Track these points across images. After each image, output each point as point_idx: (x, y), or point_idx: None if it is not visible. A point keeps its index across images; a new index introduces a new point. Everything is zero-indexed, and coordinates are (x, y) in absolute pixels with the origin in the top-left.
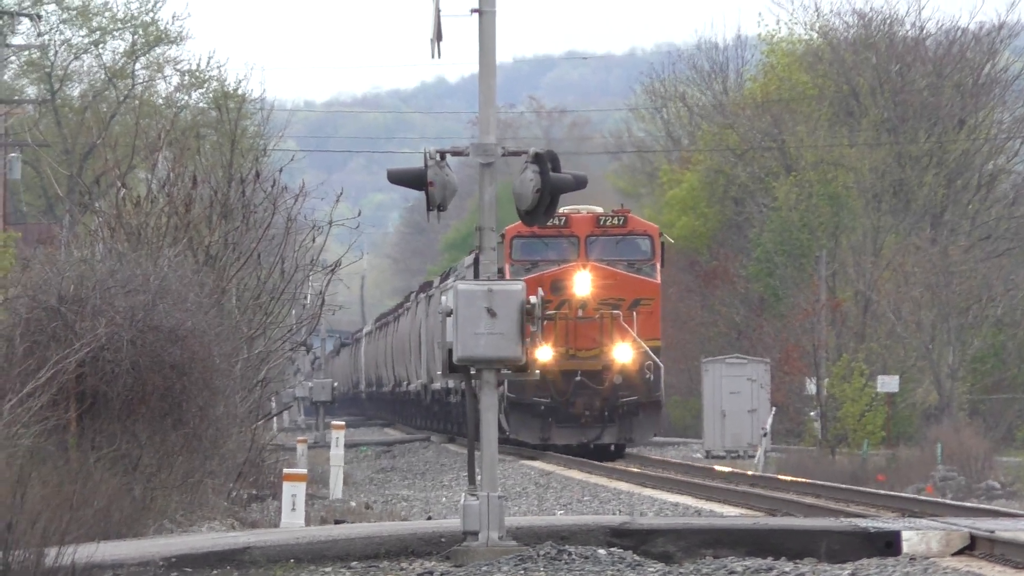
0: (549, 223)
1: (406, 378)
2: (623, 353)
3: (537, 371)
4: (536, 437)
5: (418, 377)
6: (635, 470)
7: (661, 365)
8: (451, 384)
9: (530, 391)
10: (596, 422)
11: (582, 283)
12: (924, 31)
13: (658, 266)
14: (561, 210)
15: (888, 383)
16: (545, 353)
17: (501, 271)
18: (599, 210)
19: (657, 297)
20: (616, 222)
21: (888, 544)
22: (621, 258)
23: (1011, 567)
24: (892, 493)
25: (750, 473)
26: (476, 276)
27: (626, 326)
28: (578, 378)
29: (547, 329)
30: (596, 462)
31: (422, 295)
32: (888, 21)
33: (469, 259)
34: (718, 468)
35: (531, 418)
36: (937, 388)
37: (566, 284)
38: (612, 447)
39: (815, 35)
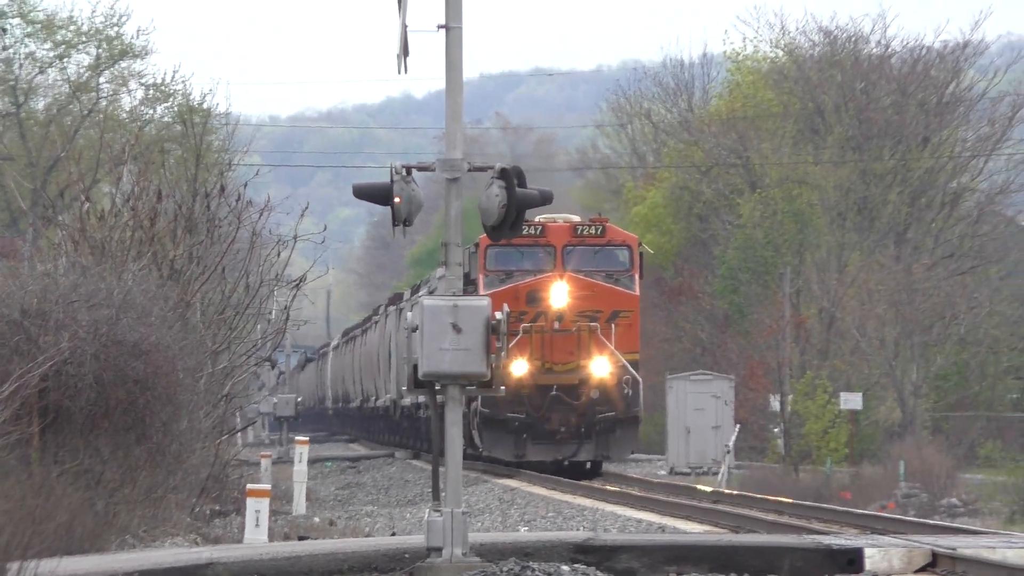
0: (525, 232)
1: (374, 393)
2: (601, 367)
3: (503, 387)
4: (510, 454)
5: (387, 392)
6: (598, 486)
7: (640, 380)
8: (421, 399)
9: (504, 407)
10: (572, 439)
11: (559, 294)
12: (889, 49)
13: (637, 277)
14: (537, 219)
15: (851, 400)
16: (520, 367)
17: (475, 281)
18: (576, 219)
19: (636, 309)
20: (594, 231)
21: (851, 561)
22: (599, 269)
23: None
24: (855, 510)
25: (710, 489)
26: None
27: (604, 339)
28: (554, 393)
29: (522, 342)
30: (566, 479)
31: (391, 308)
32: (853, 39)
33: (441, 271)
34: (700, 487)
35: (505, 434)
36: (900, 405)
37: (542, 295)
38: (588, 465)
39: (780, 53)
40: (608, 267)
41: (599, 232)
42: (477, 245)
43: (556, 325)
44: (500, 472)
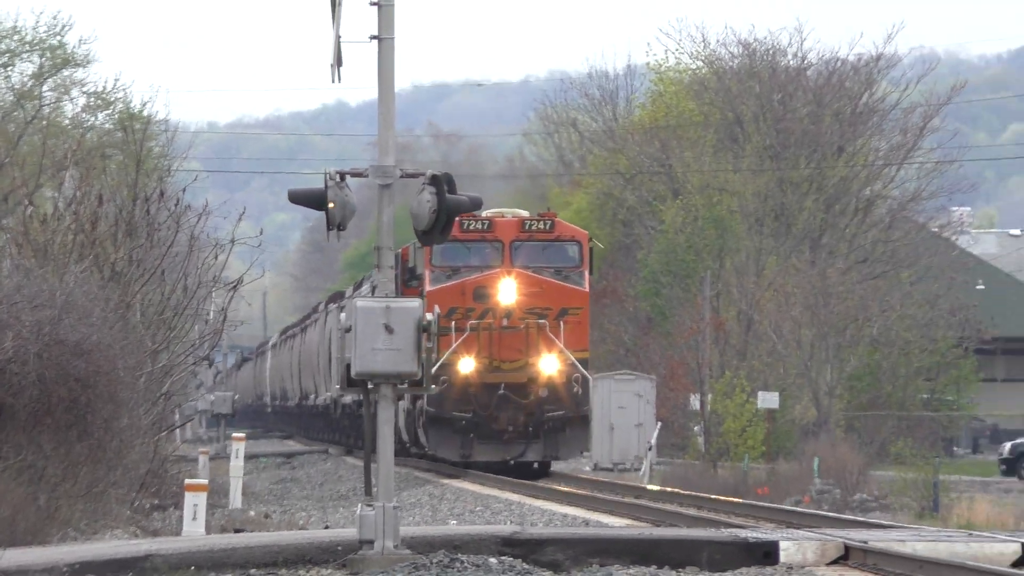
0: (472, 227)
1: (313, 391)
2: (549, 365)
3: (433, 386)
4: (456, 454)
5: (327, 390)
6: (527, 482)
7: (590, 378)
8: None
9: (451, 405)
10: (520, 438)
11: (507, 291)
12: (805, 61)
13: (587, 273)
14: (485, 213)
15: (768, 399)
16: (467, 365)
17: (421, 277)
18: (525, 214)
19: (586, 306)
20: (543, 227)
21: (767, 554)
22: (548, 265)
23: (881, 575)
24: (771, 505)
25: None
26: (395, 283)
27: (553, 337)
28: (502, 391)
29: (469, 339)
30: (508, 478)
31: (332, 306)
32: (771, 52)
33: (366, 287)
34: (649, 486)
35: (451, 434)
36: (815, 405)
37: (490, 292)
38: (536, 465)
39: (701, 65)
40: (557, 263)
41: (548, 227)
42: None
43: (504, 322)
44: (446, 472)
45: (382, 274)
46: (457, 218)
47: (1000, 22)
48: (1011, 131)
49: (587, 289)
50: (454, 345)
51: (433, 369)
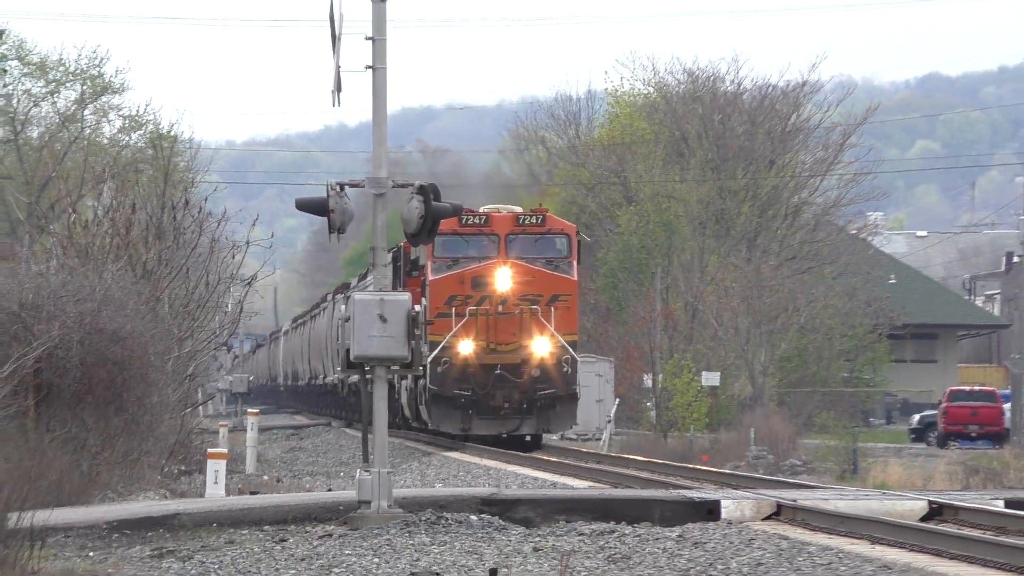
0: (471, 221)
1: (322, 372)
2: (541, 347)
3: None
4: (457, 428)
5: (335, 371)
6: (506, 451)
7: (577, 359)
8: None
9: (451, 384)
10: (515, 414)
11: (502, 279)
12: (741, 87)
13: (575, 263)
14: (482, 209)
15: (711, 378)
16: (466, 347)
17: (424, 267)
18: (519, 210)
19: (574, 293)
20: (535, 221)
21: (710, 511)
22: (540, 256)
23: (808, 529)
24: (713, 469)
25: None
26: (394, 275)
27: (544, 321)
28: (498, 371)
29: (468, 324)
30: (503, 449)
31: (339, 296)
32: (712, 78)
33: (387, 256)
34: (609, 453)
35: (452, 410)
36: (751, 382)
37: (487, 280)
38: (529, 438)
39: (652, 90)
40: (548, 254)
41: (540, 221)
42: None
43: (500, 308)
44: (445, 444)
45: (377, 271)
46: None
47: (908, 53)
48: (918, 147)
49: (575, 278)
50: (454, 329)
51: (435, 351)
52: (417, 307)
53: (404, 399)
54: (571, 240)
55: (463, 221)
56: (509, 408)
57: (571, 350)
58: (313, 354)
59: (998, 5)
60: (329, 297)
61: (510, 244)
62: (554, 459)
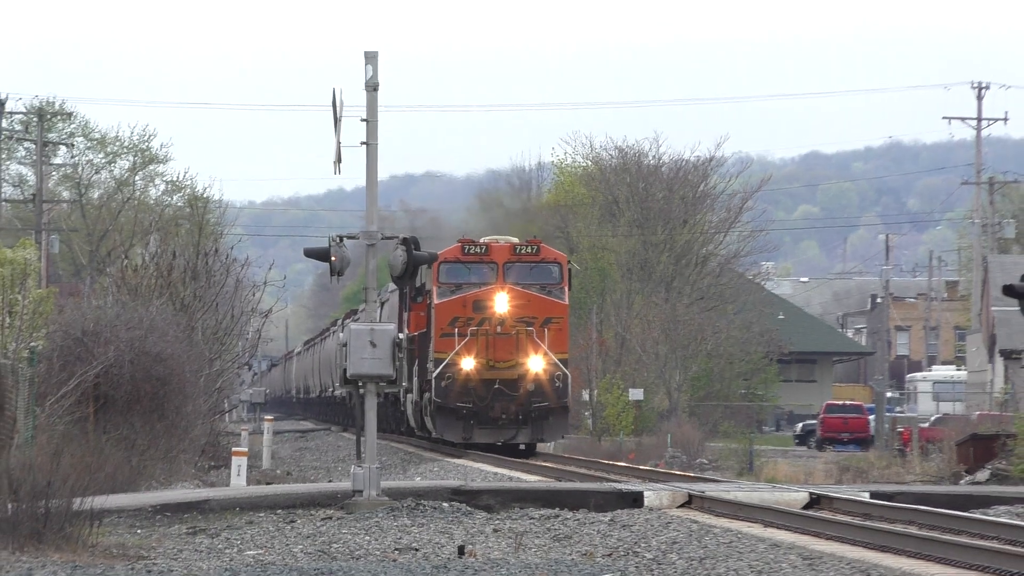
0: (472, 251)
1: (331, 386)
2: (536, 364)
3: (404, 383)
4: (459, 437)
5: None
6: (474, 452)
7: (568, 375)
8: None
9: (454, 397)
10: (512, 424)
11: (501, 303)
12: (661, 161)
13: (566, 289)
14: (482, 240)
15: (636, 393)
16: (468, 364)
17: (429, 292)
18: (515, 240)
19: (565, 316)
20: (530, 251)
21: (635, 500)
22: (535, 282)
23: (714, 515)
24: (638, 466)
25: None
26: (400, 301)
27: (539, 341)
28: (496, 386)
29: (470, 343)
30: (497, 455)
31: (348, 320)
32: (637, 153)
33: (386, 294)
34: (553, 453)
35: (455, 420)
36: (668, 397)
37: (487, 304)
38: (523, 446)
39: (589, 162)
40: (542, 280)
41: (534, 251)
42: (431, 263)
43: (498, 329)
44: (447, 452)
45: (368, 306)
46: (460, 243)
47: (794, 135)
48: (801, 210)
49: (567, 302)
50: (457, 348)
51: (440, 368)
52: (400, 335)
53: (410, 410)
54: (563, 268)
55: (465, 251)
56: (506, 419)
57: (563, 367)
58: (323, 370)
59: (866, 98)
60: (339, 322)
61: (508, 271)
62: (509, 458)
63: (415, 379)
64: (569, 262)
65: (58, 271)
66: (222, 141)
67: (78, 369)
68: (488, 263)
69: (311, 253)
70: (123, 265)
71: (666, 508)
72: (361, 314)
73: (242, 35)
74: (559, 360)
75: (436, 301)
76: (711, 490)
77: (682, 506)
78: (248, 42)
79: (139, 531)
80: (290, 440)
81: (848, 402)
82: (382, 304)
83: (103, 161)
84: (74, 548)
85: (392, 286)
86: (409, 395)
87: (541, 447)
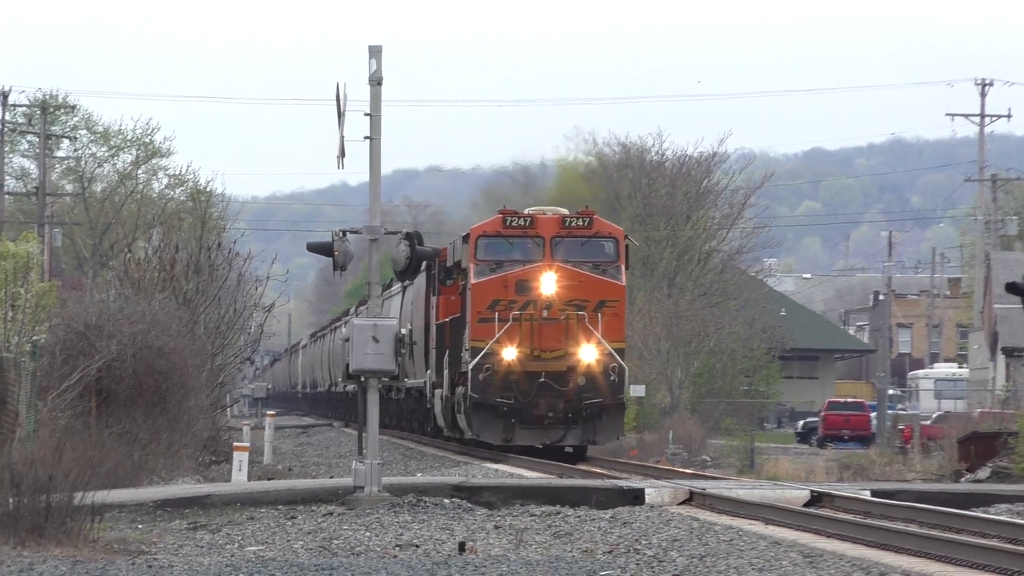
0: (515, 223)
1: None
2: (588, 354)
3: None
4: (499, 438)
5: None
6: (474, 448)
7: (625, 367)
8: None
9: (494, 391)
10: (560, 424)
11: (548, 283)
12: (664, 156)
13: (623, 268)
14: (527, 211)
15: (638, 390)
16: (510, 353)
17: (466, 270)
18: (564, 211)
19: (622, 299)
20: (581, 223)
21: (636, 497)
22: (586, 259)
23: (715, 512)
24: (639, 463)
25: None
26: (427, 284)
27: (591, 327)
28: (542, 379)
29: (512, 329)
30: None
31: (362, 308)
32: (640, 150)
33: (397, 287)
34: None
35: (494, 419)
36: (670, 393)
37: (532, 284)
38: (571, 450)
39: (592, 159)
40: (595, 258)
41: (587, 224)
42: (467, 236)
43: (544, 313)
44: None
45: (371, 301)
46: (500, 214)
47: (797, 131)
48: (804, 206)
49: (623, 283)
50: (497, 335)
51: (477, 358)
52: (403, 330)
53: (438, 408)
54: (619, 244)
55: (507, 223)
56: (553, 418)
57: (619, 358)
58: (334, 364)
59: (869, 94)
60: (352, 310)
61: (555, 247)
62: (512, 455)
63: (445, 371)
64: (627, 236)
65: (61, 265)
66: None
67: (80, 363)
68: (533, 237)
69: (314, 248)
70: (126, 259)
71: (667, 505)
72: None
73: (246, 29)
74: (615, 350)
75: (473, 281)
76: (712, 487)
77: (683, 503)
78: (252, 36)
79: (140, 526)
80: (291, 435)
81: (850, 399)
82: (405, 288)
83: (106, 154)
84: (75, 543)
85: (396, 288)
86: (438, 390)
87: (593, 450)
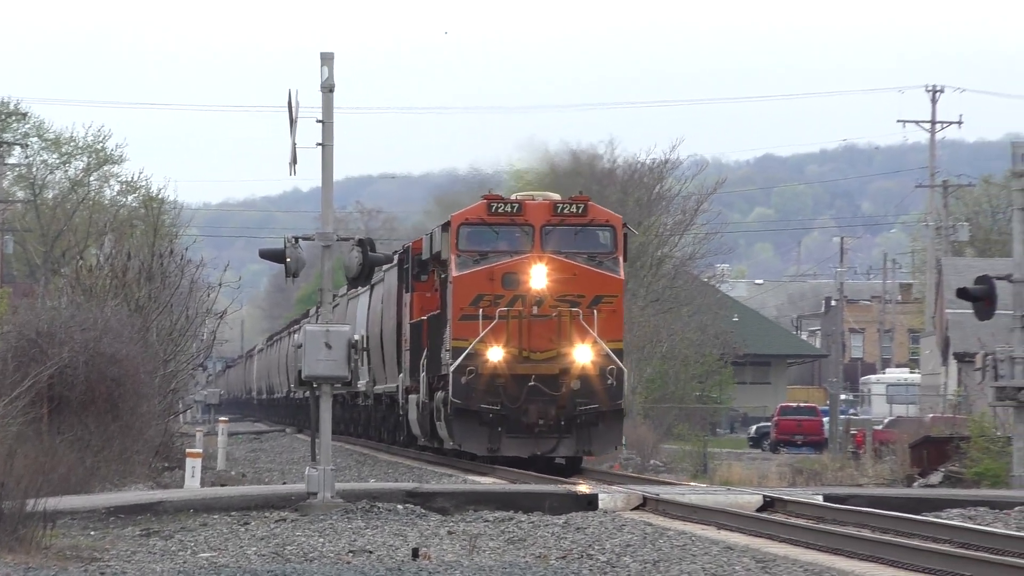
0: (501, 210)
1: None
2: (583, 356)
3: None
4: (483, 448)
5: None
6: (426, 454)
7: (624, 369)
8: (361, 391)
9: (478, 397)
10: (552, 432)
11: (538, 277)
12: (616, 163)
13: (621, 260)
14: (514, 196)
15: None
16: (496, 354)
17: (446, 262)
18: (556, 197)
19: (620, 294)
20: (575, 210)
21: (590, 502)
22: (581, 250)
23: (668, 517)
24: (593, 468)
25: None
26: (399, 280)
27: (586, 325)
28: (532, 383)
29: (498, 328)
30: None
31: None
32: (592, 157)
33: (379, 273)
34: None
35: (478, 426)
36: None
37: (520, 278)
38: (563, 461)
39: (544, 166)
40: (590, 249)
41: (581, 211)
42: (449, 224)
43: (535, 310)
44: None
45: (323, 307)
46: (485, 200)
47: (749, 138)
48: (755, 213)
49: (622, 276)
50: (482, 334)
51: (459, 360)
52: (356, 336)
53: (414, 415)
54: (617, 233)
55: (492, 209)
56: (544, 426)
57: (617, 360)
58: (291, 369)
59: (820, 100)
60: (313, 311)
61: (546, 236)
62: (466, 461)
63: (422, 375)
64: (625, 225)
65: (12, 271)
66: (177, 142)
67: (32, 370)
68: (522, 225)
69: (266, 254)
70: (78, 266)
71: (620, 511)
72: (339, 300)
73: (197, 35)
74: (612, 350)
75: (455, 273)
76: (666, 492)
77: (636, 508)
78: (203, 42)
79: (92, 533)
80: (244, 441)
81: (802, 404)
82: (372, 286)
83: (58, 161)
84: (27, 550)
85: (362, 291)
86: (413, 396)
87: (587, 462)
